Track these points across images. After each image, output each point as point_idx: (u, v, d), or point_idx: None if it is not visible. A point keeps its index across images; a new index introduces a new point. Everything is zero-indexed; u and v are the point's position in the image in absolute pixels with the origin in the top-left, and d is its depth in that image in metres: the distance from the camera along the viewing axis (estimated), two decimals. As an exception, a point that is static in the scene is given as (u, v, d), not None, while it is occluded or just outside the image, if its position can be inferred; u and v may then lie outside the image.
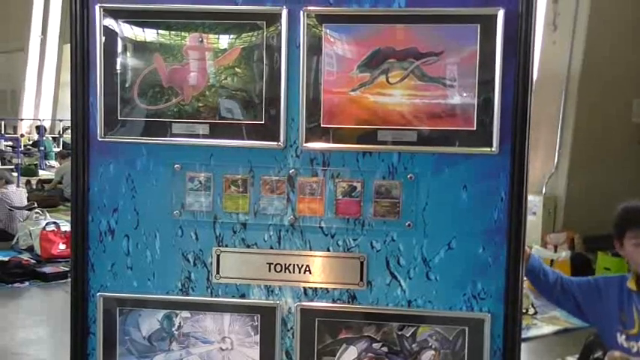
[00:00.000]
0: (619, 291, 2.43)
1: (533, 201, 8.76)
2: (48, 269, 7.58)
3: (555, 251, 7.80)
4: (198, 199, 1.87)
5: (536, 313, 6.35)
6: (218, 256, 1.87)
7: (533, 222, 8.34)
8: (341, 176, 1.83)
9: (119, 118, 1.88)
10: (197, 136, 1.86)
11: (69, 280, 1.94)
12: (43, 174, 16.28)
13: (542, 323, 6.13)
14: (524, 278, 2.49)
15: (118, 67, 1.88)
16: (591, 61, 8.91)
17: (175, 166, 1.87)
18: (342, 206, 1.83)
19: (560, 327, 6.05)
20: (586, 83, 8.99)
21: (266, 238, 1.86)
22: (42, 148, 19.58)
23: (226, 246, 1.87)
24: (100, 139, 1.88)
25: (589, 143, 9.16)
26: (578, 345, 5.04)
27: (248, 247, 1.87)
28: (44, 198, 11.72)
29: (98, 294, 1.90)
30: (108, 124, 1.88)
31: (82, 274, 1.90)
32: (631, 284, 2.39)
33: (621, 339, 2.38)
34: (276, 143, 1.83)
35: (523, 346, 1.83)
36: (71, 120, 1.90)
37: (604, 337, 2.49)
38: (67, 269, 7.31)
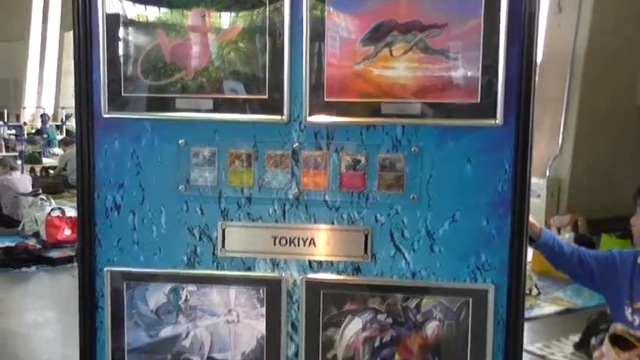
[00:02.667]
0: (632, 266, 2.46)
1: (537, 183, 8.77)
2: (54, 254, 7.63)
3: (559, 234, 7.80)
4: (203, 174, 1.88)
5: (539, 294, 6.38)
6: (223, 230, 1.89)
7: (537, 204, 8.34)
8: (345, 150, 1.84)
9: (123, 95, 1.89)
10: (201, 111, 1.86)
11: (75, 264, 1.96)
12: (47, 161, 16.34)
13: (545, 304, 6.16)
14: (540, 253, 2.53)
15: (121, 43, 1.88)
16: (596, 43, 8.88)
17: (180, 141, 1.88)
18: (347, 180, 1.84)
19: (563, 307, 6.08)
20: (590, 66, 8.97)
21: (271, 212, 1.88)
22: (45, 136, 19.62)
23: (231, 220, 1.89)
24: (104, 116, 1.89)
25: (593, 126, 9.15)
26: (581, 325, 5.08)
27: (253, 221, 1.88)
28: (48, 185, 11.76)
29: (105, 269, 1.92)
30: (112, 101, 1.89)
31: (89, 250, 1.92)
32: None
33: (628, 312, 2.41)
34: (280, 117, 1.83)
35: (526, 325, 1.84)
36: (75, 97, 1.91)
37: (612, 310, 2.52)
38: (73, 254, 7.36)
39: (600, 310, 5.36)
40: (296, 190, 1.86)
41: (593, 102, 9.05)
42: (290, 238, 1.87)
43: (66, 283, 6.72)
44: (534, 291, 6.36)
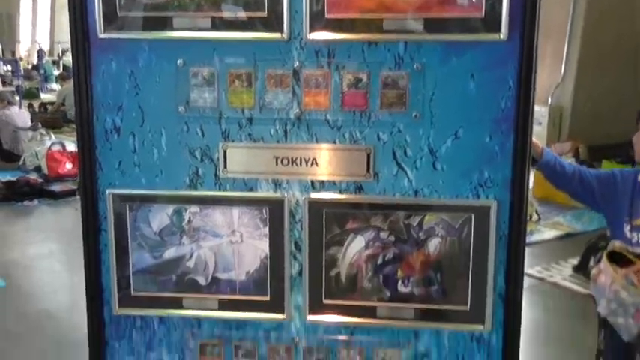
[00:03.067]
0: (632, 184, 2.48)
1: (539, 111, 8.73)
2: (56, 187, 7.69)
3: (560, 160, 7.79)
4: (203, 94, 1.86)
5: (539, 219, 6.45)
6: (225, 151, 1.88)
7: (539, 132, 8.34)
8: (346, 68, 1.80)
9: (119, 14, 1.84)
10: (199, 30, 1.82)
11: (78, 197, 1.96)
12: (45, 97, 16.24)
13: (545, 229, 6.23)
14: (541, 173, 2.53)
15: (116, -40, 1.82)
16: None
17: (178, 61, 1.84)
18: (348, 98, 1.82)
19: (563, 232, 6.16)
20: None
21: (272, 133, 1.86)
22: (42, 72, 19.44)
23: (233, 141, 1.87)
24: (100, 37, 1.85)
25: (596, 53, 9.04)
26: (580, 248, 5.16)
27: (254, 141, 1.87)
28: (47, 120, 11.74)
29: (107, 192, 1.92)
30: (107, 21, 1.84)
31: (89, 173, 1.92)
32: None
33: (626, 229, 2.44)
34: (279, 35, 1.79)
35: (526, 250, 1.85)
36: (69, 18, 1.87)
37: (611, 228, 2.54)
38: (75, 187, 7.39)
39: (600, 233, 5.43)
40: (297, 110, 1.84)
41: (597, 31, 8.91)
42: (292, 159, 1.87)
43: (69, 216, 6.79)
44: (534, 217, 6.42)
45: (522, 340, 1.91)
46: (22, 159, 8.77)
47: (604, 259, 2.38)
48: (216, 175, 1.89)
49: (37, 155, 8.54)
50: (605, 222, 2.60)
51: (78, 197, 1.96)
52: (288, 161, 1.87)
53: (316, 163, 1.86)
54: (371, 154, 1.83)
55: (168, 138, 1.89)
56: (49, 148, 8.39)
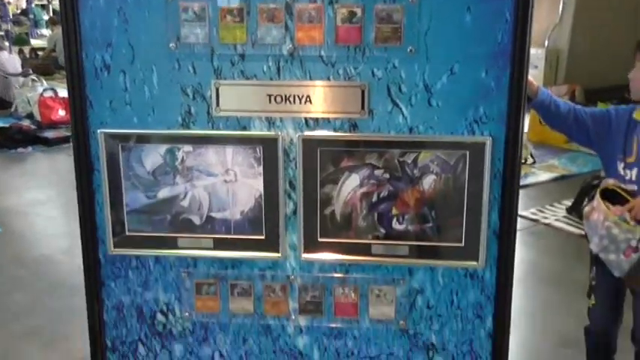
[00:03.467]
0: (627, 121, 2.45)
1: (536, 54, 8.65)
2: (49, 134, 7.64)
3: (556, 103, 7.75)
4: (194, 30, 1.81)
5: (534, 162, 6.45)
6: (217, 89, 1.85)
7: (535, 75, 8.24)
8: (340, 2, 1.76)
9: (105, -52, 1.79)
10: (188, -38, 1.77)
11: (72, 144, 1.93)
12: (36, 43, 15.99)
13: (540, 171, 6.24)
14: (535, 111, 2.51)
15: None
16: None
17: (167, -5, 1.80)
18: (342, 33, 1.78)
19: (558, 174, 6.17)
20: None
21: (265, 69, 1.83)
22: (31, 17, 19.10)
23: (225, 78, 1.84)
24: (86, -29, 1.80)
25: (595, -4, 8.90)
26: (575, 190, 5.17)
27: (247, 78, 1.84)
28: (38, 66, 11.58)
29: (99, 131, 1.90)
30: (94, -46, 1.79)
31: (80, 112, 1.89)
32: (637, 115, 2.41)
33: (620, 167, 2.43)
34: (271, -32, 1.75)
35: (521, 192, 1.84)
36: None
37: (605, 166, 2.53)
38: (68, 134, 7.35)
39: (594, 174, 5.44)
40: (290, 46, 1.80)
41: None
42: (285, 96, 1.84)
43: (63, 163, 6.77)
44: (529, 160, 6.43)
45: (515, 278, 1.92)
46: (14, 105, 8.69)
47: (597, 196, 2.37)
48: (208, 113, 1.87)
49: (28, 101, 8.45)
50: (600, 161, 2.59)
51: (72, 144, 1.93)
52: (282, 98, 1.84)
53: (310, 100, 1.84)
54: (365, 91, 1.81)
55: (159, 75, 1.86)
56: (41, 95, 8.30)
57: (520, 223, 1.79)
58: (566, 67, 9.14)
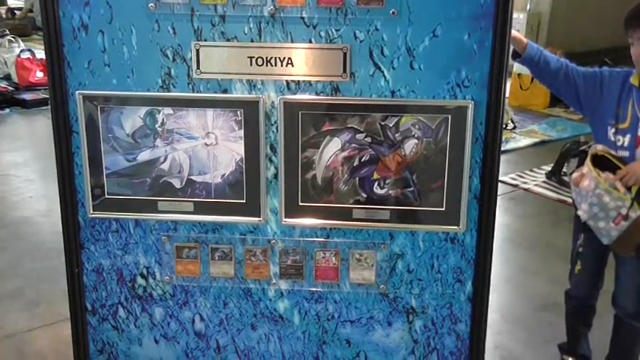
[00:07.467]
0: (621, 85, 2.37)
1: (517, 18, 8.59)
2: (27, 96, 7.50)
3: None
4: (173, -10, 1.78)
5: (515, 127, 6.47)
6: (197, 50, 1.82)
7: (517, 40, 8.22)
8: (322, -37, 1.73)
9: None
10: None
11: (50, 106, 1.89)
12: (12, 2, 15.60)
13: (521, 137, 6.26)
14: (524, 66, 2.46)
15: None
16: None
17: (146, -46, 1.76)
18: (324, -5, 1.76)
19: (538, 139, 6.20)
20: None
21: (246, 31, 1.80)
22: (7, -25, 18.61)
23: (205, 40, 1.81)
24: None
25: (577, -42, 8.84)
26: (554, 156, 5.20)
27: (228, 40, 1.81)
28: (15, 27, 11.30)
29: (77, 92, 1.87)
30: None
31: (58, 73, 1.85)
32: (634, 80, 2.33)
33: (610, 132, 2.36)
34: None
35: (502, 157, 1.83)
36: None
37: (595, 130, 2.46)
38: (46, 96, 7.23)
39: (573, 140, 5.48)
40: (272, 7, 1.77)
41: None
42: (266, 58, 1.82)
43: (41, 126, 6.67)
44: (510, 125, 6.44)
45: (495, 242, 1.94)
46: (-10, 67, 8.50)
47: (588, 162, 2.32)
48: (189, 75, 1.84)
49: (5, 63, 8.27)
50: (588, 124, 2.51)
51: (50, 106, 1.90)
52: (263, 61, 1.82)
53: (291, 63, 1.82)
54: (347, 54, 1.79)
55: (138, 36, 1.82)
56: (19, 56, 8.12)
57: (500, 188, 1.79)
58: (548, 31, 9.11)
